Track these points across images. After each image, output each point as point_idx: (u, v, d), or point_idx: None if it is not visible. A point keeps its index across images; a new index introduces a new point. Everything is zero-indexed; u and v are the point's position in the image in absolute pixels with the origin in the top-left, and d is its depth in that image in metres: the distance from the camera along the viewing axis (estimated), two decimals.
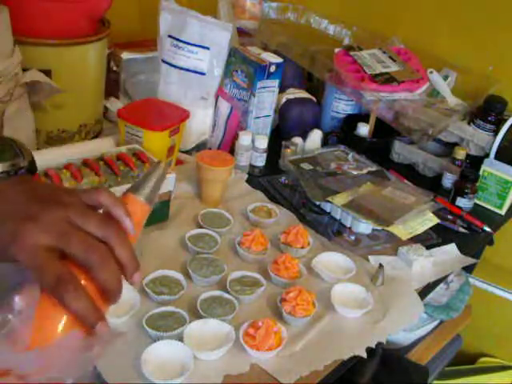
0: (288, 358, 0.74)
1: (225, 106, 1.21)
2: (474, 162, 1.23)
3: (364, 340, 0.78)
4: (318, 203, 1.09)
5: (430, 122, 1.21)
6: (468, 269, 1.44)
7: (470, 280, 1.51)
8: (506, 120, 1.20)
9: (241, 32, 1.39)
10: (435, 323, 1.46)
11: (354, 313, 0.82)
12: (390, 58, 1.33)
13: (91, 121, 1.16)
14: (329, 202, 1.05)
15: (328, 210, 1.08)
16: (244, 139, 1.15)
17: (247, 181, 1.15)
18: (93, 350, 0.45)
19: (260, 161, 1.18)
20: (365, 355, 0.76)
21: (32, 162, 0.74)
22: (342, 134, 1.32)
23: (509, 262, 1.51)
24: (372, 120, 1.29)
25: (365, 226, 1.02)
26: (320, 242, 0.99)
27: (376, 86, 1.24)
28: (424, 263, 0.96)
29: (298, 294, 0.79)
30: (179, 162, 1.14)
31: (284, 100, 1.33)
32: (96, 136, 1.19)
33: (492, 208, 1.20)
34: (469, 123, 1.25)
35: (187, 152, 1.20)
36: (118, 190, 0.56)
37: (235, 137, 1.19)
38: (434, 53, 1.39)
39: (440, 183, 1.22)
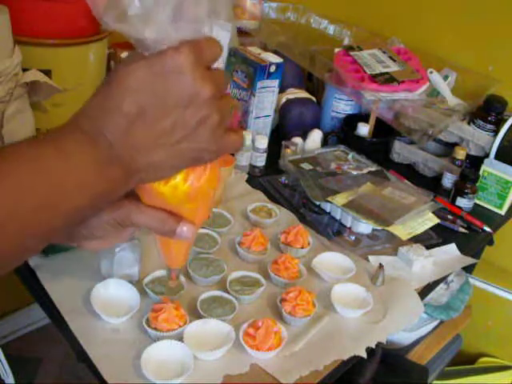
0: (288, 358, 0.73)
1: None
2: (474, 162, 1.23)
3: (364, 340, 0.78)
4: (318, 203, 1.09)
5: (430, 122, 1.21)
6: (468, 269, 1.44)
7: (470, 280, 1.51)
8: (506, 120, 1.20)
9: (241, 32, 1.39)
10: (435, 323, 1.46)
11: (354, 313, 0.82)
12: (390, 58, 1.33)
13: None
14: (329, 201, 1.05)
15: (328, 210, 1.08)
16: (244, 139, 1.15)
17: (247, 181, 1.15)
18: None
19: (260, 161, 1.18)
20: (365, 355, 0.76)
21: None
22: (342, 134, 1.32)
23: (509, 261, 1.51)
24: (372, 120, 1.29)
25: (365, 226, 1.02)
26: (320, 242, 0.99)
27: (376, 86, 1.24)
28: (424, 263, 0.96)
29: (298, 294, 0.79)
30: None
31: (284, 100, 1.33)
32: None
33: (492, 208, 1.20)
34: (469, 123, 1.25)
35: None
36: None
37: None
38: (434, 53, 1.39)
39: (440, 183, 1.22)
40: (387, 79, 1.26)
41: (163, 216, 0.48)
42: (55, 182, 0.40)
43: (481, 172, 1.18)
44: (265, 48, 1.33)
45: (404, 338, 1.41)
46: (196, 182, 0.47)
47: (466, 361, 1.67)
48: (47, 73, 0.99)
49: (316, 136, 1.27)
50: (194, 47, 0.41)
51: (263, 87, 1.19)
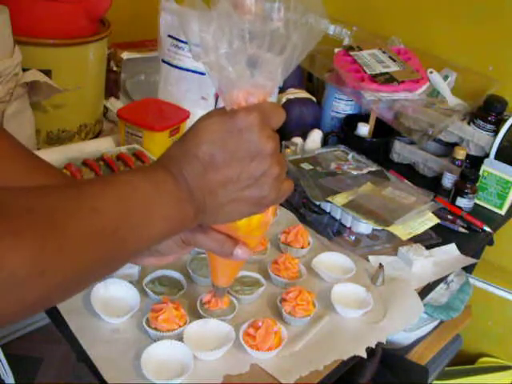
0: (288, 358, 0.74)
1: None
2: (474, 162, 1.23)
3: (364, 340, 0.78)
4: (318, 203, 1.09)
5: (430, 121, 1.21)
6: (468, 269, 1.44)
7: (470, 280, 1.51)
8: (506, 120, 1.19)
9: None
10: (435, 323, 1.46)
11: (354, 313, 0.82)
12: (390, 58, 1.33)
13: (91, 121, 1.16)
14: (329, 201, 1.05)
15: (328, 210, 1.08)
16: None
17: None
18: None
19: None
20: (365, 355, 0.76)
21: None
22: (342, 133, 1.32)
23: (509, 261, 1.51)
24: (372, 120, 1.29)
25: (365, 226, 1.02)
26: (320, 242, 0.99)
27: (376, 86, 1.24)
28: (424, 263, 0.96)
29: (298, 294, 0.79)
30: None
31: (284, 100, 1.33)
32: (96, 136, 1.19)
33: (492, 208, 1.20)
34: (469, 123, 1.25)
35: None
36: None
37: None
38: (433, 53, 1.39)
39: (440, 183, 1.22)
40: (387, 79, 1.25)
41: (223, 238, 0.53)
42: (147, 211, 0.45)
43: (481, 172, 1.18)
44: None
45: (404, 337, 1.41)
46: (268, 212, 0.53)
47: (466, 361, 1.66)
48: (47, 73, 0.99)
49: (316, 136, 1.27)
50: (263, 110, 0.48)
51: None
